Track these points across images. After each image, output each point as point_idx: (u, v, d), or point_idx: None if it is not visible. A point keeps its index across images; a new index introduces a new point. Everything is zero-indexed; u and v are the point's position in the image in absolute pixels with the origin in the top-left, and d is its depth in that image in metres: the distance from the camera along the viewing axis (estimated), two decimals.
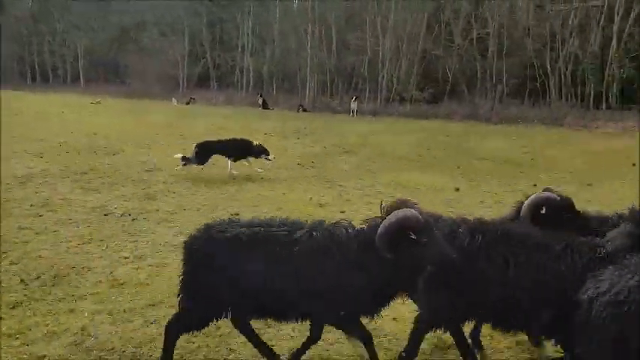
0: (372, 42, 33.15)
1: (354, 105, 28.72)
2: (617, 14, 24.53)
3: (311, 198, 7.86)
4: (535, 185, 9.09)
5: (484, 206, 7.62)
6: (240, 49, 40.77)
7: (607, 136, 19.32)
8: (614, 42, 24.60)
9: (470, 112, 26.45)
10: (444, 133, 17.94)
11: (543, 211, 3.24)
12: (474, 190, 8.89)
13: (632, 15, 24.66)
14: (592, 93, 25.46)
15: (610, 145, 15.56)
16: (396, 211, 2.80)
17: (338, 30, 35.44)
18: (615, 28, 24.54)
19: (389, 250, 2.75)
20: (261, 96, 33.41)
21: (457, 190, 8.79)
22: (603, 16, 25.20)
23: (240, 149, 9.60)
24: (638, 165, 11.19)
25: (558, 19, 26.55)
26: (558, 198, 3.26)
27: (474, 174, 10.34)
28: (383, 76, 32.76)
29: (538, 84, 27.61)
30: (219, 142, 9.65)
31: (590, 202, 7.86)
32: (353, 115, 28.19)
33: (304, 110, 31.20)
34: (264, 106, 32.24)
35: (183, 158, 9.21)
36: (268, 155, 9.48)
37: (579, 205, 3.48)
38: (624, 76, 24.87)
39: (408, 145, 14.41)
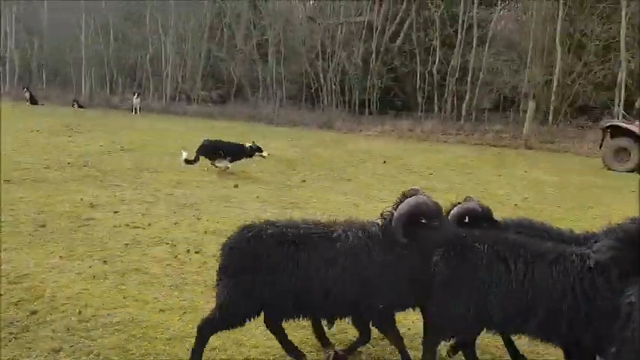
0: (154, 39, 32.22)
1: (136, 102, 27.56)
2: (375, 31, 28.34)
3: (82, 199, 7.49)
4: (304, 181, 10.18)
5: (259, 201, 8.25)
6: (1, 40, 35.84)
7: (369, 138, 22.26)
8: (373, 55, 28.35)
9: (254, 113, 27.65)
10: (229, 133, 18.48)
11: (466, 220, 3.46)
12: (249, 186, 9.50)
13: (387, 33, 28.75)
14: (357, 101, 28.96)
15: (369, 146, 18.00)
16: (408, 199, 3.01)
17: (115, 23, 33.54)
18: (374, 43, 28.31)
19: (403, 234, 2.98)
20: (27, 90, 29.79)
21: (236, 186, 9.29)
22: (364, 31, 28.83)
23: None
24: (387, 161, 13.32)
25: (327, 32, 29.49)
26: (480, 209, 3.53)
27: (251, 172, 10.98)
28: (167, 74, 32.10)
29: (313, 90, 30.22)
30: None
31: (346, 194, 9.16)
32: (135, 113, 27.01)
33: (80, 106, 28.83)
34: (32, 101, 28.93)
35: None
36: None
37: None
38: (382, 86, 28.84)
39: (192, 144, 14.50)
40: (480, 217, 3.41)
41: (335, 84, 29.37)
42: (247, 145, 10.61)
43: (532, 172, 12.01)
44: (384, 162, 13.59)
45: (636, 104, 14.40)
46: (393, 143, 19.94)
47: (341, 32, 29.25)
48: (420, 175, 11.84)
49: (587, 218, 7.99)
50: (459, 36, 26.32)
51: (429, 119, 25.79)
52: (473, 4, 26.11)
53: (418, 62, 27.70)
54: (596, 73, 23.92)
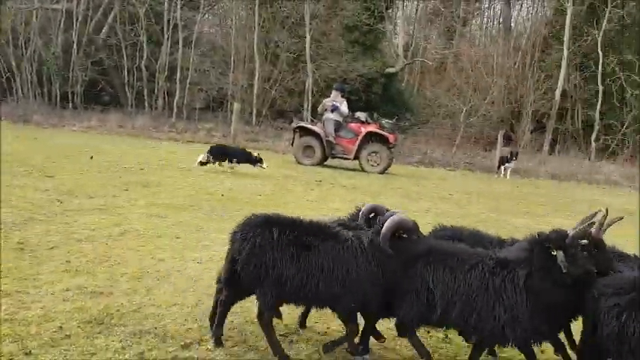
0: None
1: None
2: (77, 20, 26.31)
3: None
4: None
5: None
6: None
7: (74, 134, 20.68)
8: (75, 46, 26.26)
9: None
10: None
11: (372, 215, 3.92)
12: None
13: (90, 23, 26.98)
14: (58, 93, 26.41)
15: (74, 141, 16.80)
16: (393, 216, 3.55)
17: None
18: (75, 33, 26.24)
19: (389, 247, 3.46)
20: None
21: None
22: (64, 20, 26.45)
23: None
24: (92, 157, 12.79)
25: (20, 16, 26.06)
26: (385, 208, 3.97)
27: None
28: None
29: (4, 80, 26.32)
30: None
31: (48, 191, 8.58)
32: None
33: None
34: None
35: None
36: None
37: None
38: (87, 78, 26.98)
39: None
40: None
41: (31, 74, 26.16)
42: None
43: (240, 166, 13.22)
44: (92, 157, 13.03)
45: (318, 109, 17.22)
46: (101, 138, 19.06)
47: (36, 18, 26.18)
48: (131, 171, 11.82)
49: (277, 203, 9.47)
50: (165, 34, 26.66)
51: (140, 115, 25.38)
52: (177, 4, 26.77)
53: (125, 57, 26.93)
54: (288, 81, 27.48)
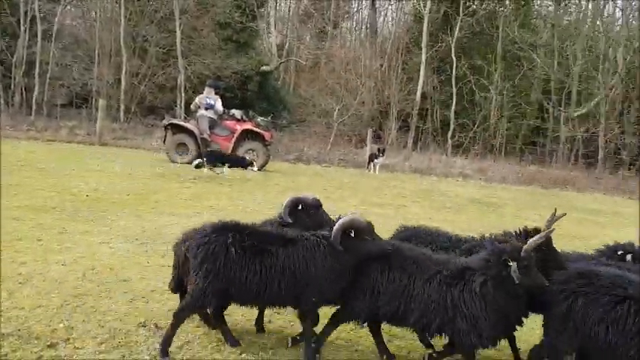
0: None
1: None
2: None
3: None
4: None
5: None
6: None
7: None
8: None
9: None
10: None
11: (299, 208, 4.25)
12: None
13: None
14: None
15: None
16: (347, 216, 3.84)
17: None
18: None
19: (340, 244, 3.71)
20: None
21: None
22: None
23: None
24: None
25: None
26: (310, 198, 4.31)
27: None
28: None
29: None
30: None
31: None
32: None
33: None
34: None
35: None
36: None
37: None
38: None
39: None
40: (310, 207, 4.41)
41: None
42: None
43: (106, 166, 12.63)
44: None
45: (191, 106, 16.92)
46: None
47: None
48: None
49: (148, 202, 9.27)
50: (22, 27, 24.37)
51: None
52: None
53: None
54: (159, 76, 26.54)
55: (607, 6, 33.20)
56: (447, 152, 28.31)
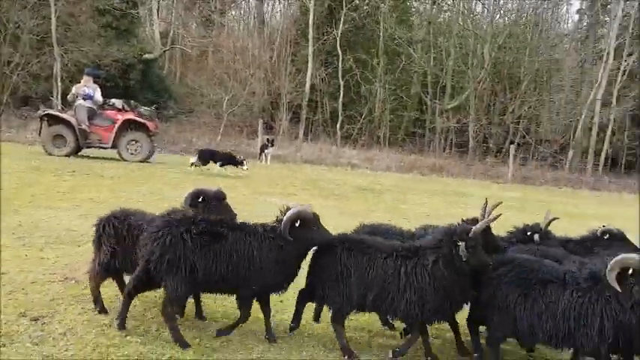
0: None
1: None
2: None
3: None
4: None
5: None
6: None
7: None
8: None
9: None
10: None
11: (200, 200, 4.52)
12: None
13: None
14: None
15: None
16: (295, 208, 3.99)
17: None
18: None
19: (288, 233, 3.91)
20: None
21: None
22: None
23: None
24: None
25: None
26: (212, 190, 4.65)
27: None
28: None
29: None
30: None
31: None
32: None
33: None
34: None
35: None
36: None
37: None
38: None
39: None
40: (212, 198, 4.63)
41: None
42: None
43: None
44: None
45: (68, 96, 15.90)
46: None
47: None
48: None
49: (24, 196, 8.74)
50: None
51: None
52: None
53: None
54: (33, 65, 24.49)
55: (477, 5, 36.20)
56: (336, 143, 29.34)
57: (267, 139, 21.86)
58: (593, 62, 32.55)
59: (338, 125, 30.56)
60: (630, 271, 3.47)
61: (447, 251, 3.81)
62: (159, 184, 11.78)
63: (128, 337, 3.92)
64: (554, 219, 4.97)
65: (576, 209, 15.36)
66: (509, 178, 23.98)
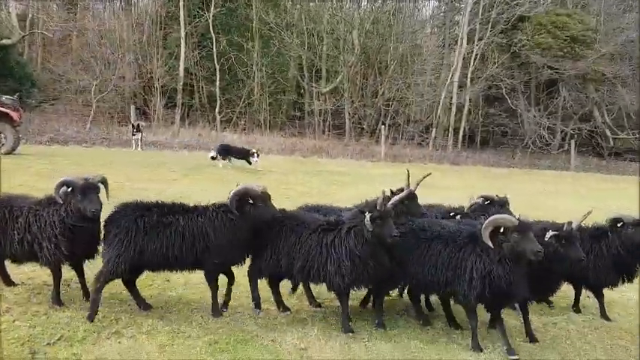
0: None
1: None
2: None
3: None
4: None
5: None
6: None
7: None
8: None
9: None
10: None
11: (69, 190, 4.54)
12: None
13: None
14: None
15: None
16: (243, 184, 4.42)
17: None
18: None
19: (235, 209, 4.36)
20: None
21: None
22: None
23: None
24: None
25: None
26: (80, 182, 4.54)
27: None
28: None
29: None
30: None
31: None
32: None
33: None
34: None
35: None
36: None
37: None
38: None
39: None
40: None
41: None
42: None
43: None
44: None
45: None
46: None
47: None
48: None
49: None
50: None
51: None
52: None
53: None
54: None
55: None
56: (216, 127, 29.05)
57: (133, 124, 21.10)
58: (450, 47, 35.47)
59: (217, 109, 30.24)
60: (502, 230, 4.08)
61: (357, 223, 4.25)
62: (27, 176, 11.07)
63: (16, 322, 3.93)
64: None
65: (441, 182, 17.04)
66: (382, 157, 25.68)
